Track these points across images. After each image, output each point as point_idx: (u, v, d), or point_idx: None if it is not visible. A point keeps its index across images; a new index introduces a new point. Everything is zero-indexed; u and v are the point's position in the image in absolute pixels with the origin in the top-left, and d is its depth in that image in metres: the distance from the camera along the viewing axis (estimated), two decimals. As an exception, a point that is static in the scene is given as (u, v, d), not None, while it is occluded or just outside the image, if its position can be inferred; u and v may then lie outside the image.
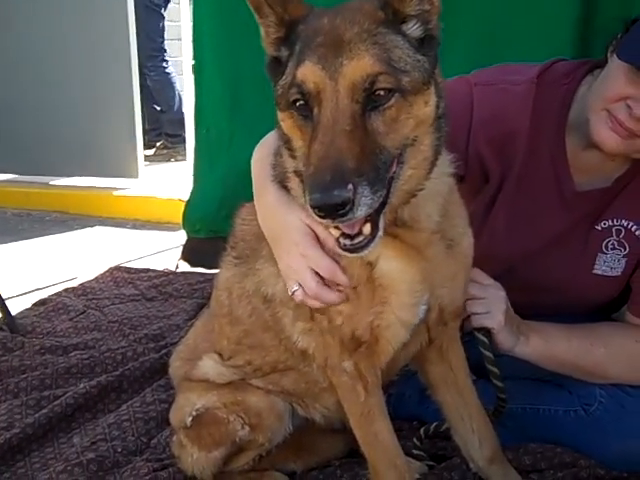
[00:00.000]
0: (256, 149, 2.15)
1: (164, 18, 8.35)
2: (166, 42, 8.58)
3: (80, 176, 7.26)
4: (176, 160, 8.36)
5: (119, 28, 6.78)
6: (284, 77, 1.67)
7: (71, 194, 7.19)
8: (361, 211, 1.47)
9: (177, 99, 8.43)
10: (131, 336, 3.64)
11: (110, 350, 3.44)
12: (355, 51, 1.55)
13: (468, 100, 2.32)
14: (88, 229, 6.46)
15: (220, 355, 2.30)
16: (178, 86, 8.41)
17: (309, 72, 1.57)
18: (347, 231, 1.59)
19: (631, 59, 2.02)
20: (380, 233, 1.60)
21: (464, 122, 2.31)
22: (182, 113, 8.24)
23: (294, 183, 1.88)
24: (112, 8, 6.79)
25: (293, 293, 1.89)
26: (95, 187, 7.19)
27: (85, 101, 7.07)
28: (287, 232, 1.90)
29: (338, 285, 1.84)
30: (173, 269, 4.82)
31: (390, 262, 1.82)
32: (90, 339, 3.61)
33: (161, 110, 8.57)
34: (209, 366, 2.30)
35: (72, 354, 3.41)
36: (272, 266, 2.00)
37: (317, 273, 1.85)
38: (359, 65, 1.54)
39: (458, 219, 1.97)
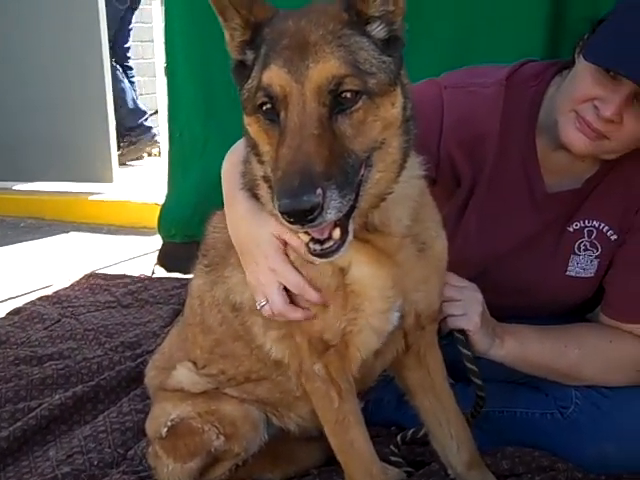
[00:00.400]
0: (226, 157, 2.14)
1: (130, 23, 8.27)
2: (139, 44, 8.53)
3: (53, 181, 7.18)
4: (149, 155, 8.36)
5: (92, 32, 6.74)
6: (250, 81, 1.66)
7: (45, 200, 7.11)
8: (330, 215, 1.46)
9: (127, 90, 8.31)
10: (107, 344, 3.60)
11: (86, 359, 3.39)
12: (321, 54, 1.54)
13: (438, 103, 2.32)
14: (63, 235, 6.39)
15: (194, 364, 2.28)
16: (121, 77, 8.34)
17: (275, 75, 1.55)
18: (317, 236, 1.58)
19: (597, 60, 2.02)
20: (350, 237, 1.60)
21: (435, 125, 2.31)
22: (136, 103, 8.25)
23: (263, 190, 1.87)
24: (86, 13, 6.75)
25: (261, 307, 1.90)
26: (70, 192, 7.10)
27: (58, 106, 7.00)
28: (257, 244, 1.89)
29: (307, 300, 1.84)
30: (149, 274, 4.78)
31: (362, 268, 1.82)
32: (65, 348, 3.56)
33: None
34: (183, 375, 2.29)
35: (47, 364, 3.36)
36: (241, 273, 1.99)
37: (285, 288, 1.85)
38: (325, 68, 1.53)
39: (430, 222, 1.96)
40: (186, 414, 2.19)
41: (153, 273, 4.78)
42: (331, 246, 1.58)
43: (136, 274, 4.84)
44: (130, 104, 8.25)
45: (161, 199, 4.81)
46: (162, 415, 2.26)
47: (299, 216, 1.43)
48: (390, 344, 1.99)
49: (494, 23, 3.24)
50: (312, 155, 1.47)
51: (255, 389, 2.17)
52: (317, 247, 1.59)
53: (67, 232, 6.45)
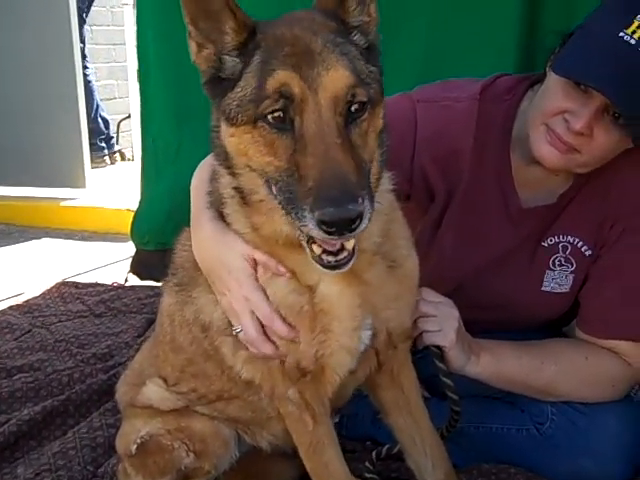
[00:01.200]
0: (196, 172, 2.11)
1: (85, 23, 8.22)
2: (112, 47, 8.47)
3: (24, 186, 7.06)
4: (122, 160, 8.28)
5: (63, 34, 6.64)
6: (239, 90, 1.58)
7: (16, 205, 7.01)
8: (365, 224, 1.44)
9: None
10: (78, 356, 3.54)
11: (56, 371, 3.34)
12: (329, 62, 1.52)
13: (412, 117, 2.30)
14: (34, 241, 6.30)
15: (165, 380, 2.24)
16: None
17: (288, 80, 1.50)
18: (330, 248, 1.55)
19: (566, 73, 2.02)
20: (357, 248, 1.59)
21: (408, 139, 2.29)
22: (97, 118, 8.19)
23: (230, 208, 1.83)
24: (56, 16, 6.65)
25: (237, 334, 1.87)
26: (41, 197, 7.00)
27: (29, 109, 6.90)
28: (228, 270, 1.86)
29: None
30: (122, 282, 4.72)
31: (330, 286, 1.78)
32: (35, 360, 3.49)
33: None
34: (152, 391, 2.25)
35: (16, 377, 3.29)
36: (209, 294, 1.95)
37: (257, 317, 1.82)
38: (338, 77, 1.51)
39: (401, 240, 1.92)
40: (156, 431, 2.16)
41: (126, 281, 4.72)
42: (345, 257, 1.56)
43: (109, 282, 4.77)
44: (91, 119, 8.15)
45: (134, 205, 4.73)
46: (132, 432, 2.22)
47: (343, 225, 1.41)
48: (362, 363, 1.95)
49: (467, 37, 3.21)
50: (344, 164, 1.45)
51: (226, 408, 2.13)
52: (331, 259, 1.56)
53: (39, 238, 6.36)
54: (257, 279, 1.83)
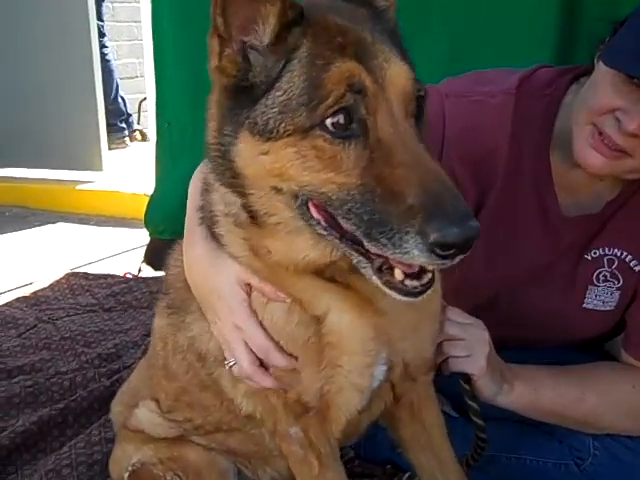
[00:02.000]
0: (193, 176, 1.86)
1: (103, 0, 8.02)
2: (134, 24, 8.32)
3: (41, 168, 6.95)
4: (143, 139, 8.28)
5: (79, 15, 6.52)
6: (279, 94, 1.30)
7: (32, 188, 6.87)
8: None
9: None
10: (83, 356, 3.36)
11: (58, 374, 3.17)
12: (386, 54, 1.30)
13: (439, 113, 2.05)
14: (49, 226, 6.14)
15: (158, 402, 2.05)
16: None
17: (356, 72, 1.25)
18: (409, 271, 1.31)
19: (617, 65, 1.76)
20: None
21: (436, 137, 2.05)
22: (116, 100, 8.04)
23: (223, 228, 1.58)
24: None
25: (230, 367, 1.66)
26: (57, 180, 6.87)
27: (46, 90, 6.80)
28: (219, 294, 1.63)
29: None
30: (135, 273, 4.55)
31: (341, 316, 1.54)
32: (38, 360, 3.32)
33: None
34: (142, 415, 2.08)
35: (16, 379, 3.12)
36: (204, 321, 1.73)
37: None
38: (401, 70, 1.29)
39: None
40: (147, 459, 2.00)
41: (139, 271, 4.56)
42: (430, 280, 1.33)
43: (123, 271, 4.61)
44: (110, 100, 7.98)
45: (151, 190, 4.58)
46: (124, 458, 2.08)
47: (465, 246, 1.18)
48: (376, 398, 1.73)
49: (500, 24, 3.00)
50: (443, 174, 1.23)
51: (226, 440, 1.94)
52: (416, 283, 1.32)
53: (54, 223, 6.21)
54: (251, 306, 1.60)
